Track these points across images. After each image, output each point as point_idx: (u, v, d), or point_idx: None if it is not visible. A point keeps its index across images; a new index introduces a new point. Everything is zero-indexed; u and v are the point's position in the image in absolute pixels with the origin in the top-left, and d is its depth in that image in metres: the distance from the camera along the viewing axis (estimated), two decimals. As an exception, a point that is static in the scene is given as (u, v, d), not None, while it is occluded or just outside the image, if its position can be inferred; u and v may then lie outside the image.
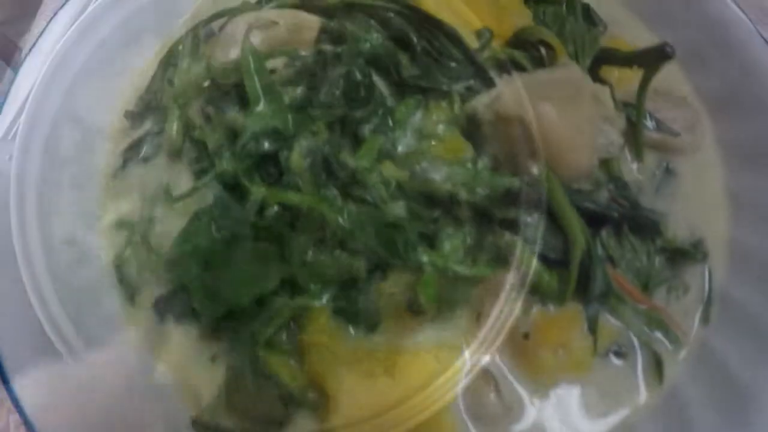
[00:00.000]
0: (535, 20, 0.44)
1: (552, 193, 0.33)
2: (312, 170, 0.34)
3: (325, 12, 0.43)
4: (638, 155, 0.42)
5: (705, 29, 0.47)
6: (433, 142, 0.37)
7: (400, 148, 0.37)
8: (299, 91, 0.36)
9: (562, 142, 0.33)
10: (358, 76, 0.35)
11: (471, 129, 0.37)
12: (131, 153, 0.44)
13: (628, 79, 0.45)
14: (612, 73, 0.45)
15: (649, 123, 0.43)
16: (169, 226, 0.40)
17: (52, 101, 0.43)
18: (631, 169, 0.43)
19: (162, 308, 0.38)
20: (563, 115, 0.34)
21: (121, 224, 0.42)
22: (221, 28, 0.45)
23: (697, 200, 0.43)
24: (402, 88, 0.38)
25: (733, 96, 0.45)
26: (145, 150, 0.44)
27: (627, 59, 0.41)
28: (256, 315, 0.34)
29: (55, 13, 0.46)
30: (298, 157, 0.33)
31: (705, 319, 0.39)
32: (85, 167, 0.44)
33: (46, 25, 0.46)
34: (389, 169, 0.35)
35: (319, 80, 0.36)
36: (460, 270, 0.32)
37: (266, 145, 0.33)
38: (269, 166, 0.35)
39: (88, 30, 0.46)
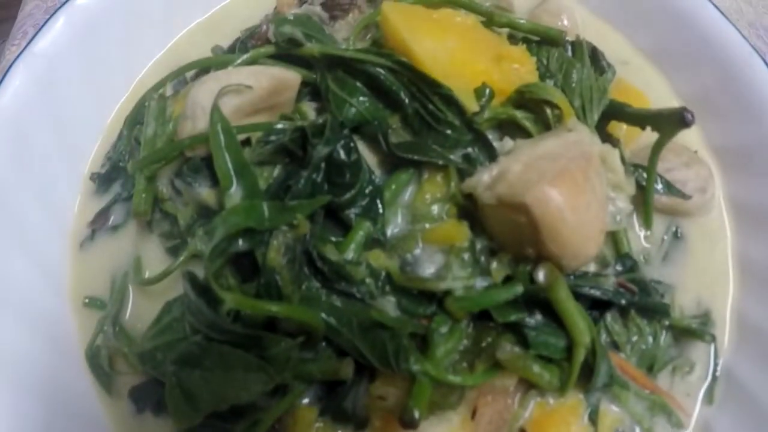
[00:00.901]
0: (538, 68, 0.39)
1: (559, 297, 0.29)
2: (290, 266, 0.30)
3: (306, 64, 0.38)
4: (647, 223, 0.38)
5: (718, 75, 0.43)
6: (426, 225, 0.33)
7: (389, 233, 0.33)
8: (276, 172, 0.32)
9: (570, 233, 0.29)
10: (343, 155, 0.31)
11: (468, 209, 0.33)
12: (98, 222, 0.39)
13: (636, 133, 0.40)
14: (620, 127, 0.41)
15: (660, 186, 0.39)
16: (143, 307, 0.37)
17: (6, 158, 0.39)
18: (638, 237, 0.39)
19: (138, 399, 0.35)
20: (571, 201, 0.30)
21: (93, 303, 0.38)
22: (187, 90, 0.40)
23: (705, 268, 0.40)
24: (391, 159, 0.34)
25: (747, 153, 0.41)
26: (113, 218, 0.39)
27: (640, 119, 0.37)
28: (242, 416, 0.31)
29: (11, 64, 0.40)
30: (275, 254, 0.29)
31: (709, 398, 0.37)
32: (50, 234, 0.40)
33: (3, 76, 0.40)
34: (378, 259, 0.31)
35: (299, 159, 0.31)
36: (455, 380, 0.29)
37: (240, 244, 0.29)
38: (243, 259, 0.31)
39: (46, 78, 0.40)
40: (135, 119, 0.40)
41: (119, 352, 0.35)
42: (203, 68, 0.40)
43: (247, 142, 0.34)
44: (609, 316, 0.34)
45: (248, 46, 0.41)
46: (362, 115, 0.34)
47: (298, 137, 0.32)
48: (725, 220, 0.41)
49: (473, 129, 0.34)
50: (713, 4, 0.45)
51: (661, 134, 0.36)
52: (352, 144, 0.32)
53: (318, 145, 0.30)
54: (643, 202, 0.38)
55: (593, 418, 0.34)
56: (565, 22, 0.45)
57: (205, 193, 0.34)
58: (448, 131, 0.34)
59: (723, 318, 0.39)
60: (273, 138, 0.32)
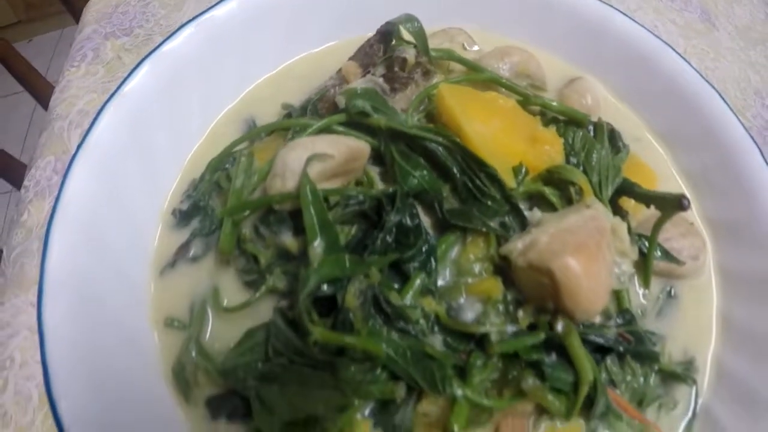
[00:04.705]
0: (564, 147, 0.55)
1: (572, 343, 0.44)
2: (363, 307, 0.44)
3: (371, 131, 0.53)
4: (646, 283, 0.54)
5: (718, 157, 0.59)
6: (469, 280, 0.48)
7: (439, 283, 0.48)
8: (353, 230, 0.46)
9: (583, 296, 0.44)
10: (409, 222, 0.46)
11: (502, 266, 0.48)
12: (180, 253, 0.53)
13: (642, 205, 0.56)
14: (629, 200, 0.56)
15: (659, 254, 0.55)
16: (220, 330, 0.51)
17: (98, 188, 0.52)
18: (637, 294, 0.55)
19: (214, 407, 0.49)
20: (587, 269, 0.45)
21: (172, 323, 0.51)
22: (269, 134, 0.54)
23: (693, 322, 0.56)
24: (442, 223, 0.49)
25: (737, 227, 0.57)
26: (193, 251, 0.53)
27: (646, 198, 0.53)
28: (308, 426, 0.45)
29: (104, 103, 0.54)
30: (352, 298, 0.44)
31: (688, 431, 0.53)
32: (132, 260, 0.53)
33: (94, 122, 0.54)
34: (429, 304, 0.46)
35: (373, 223, 0.46)
36: (488, 404, 0.44)
37: (325, 289, 0.44)
38: (322, 299, 0.46)
39: (134, 119, 0.54)
40: (217, 165, 0.54)
41: (201, 367, 0.49)
42: (281, 128, 0.54)
43: (325, 200, 0.48)
44: (609, 359, 0.50)
45: (318, 108, 0.55)
46: (422, 185, 0.49)
47: (375, 205, 0.46)
48: (713, 284, 0.58)
49: (510, 202, 0.49)
50: (720, 96, 0.61)
51: (663, 214, 0.51)
52: (415, 211, 0.47)
53: (391, 213, 0.45)
54: (643, 266, 0.54)
55: (592, 441, 0.49)
56: (589, 101, 0.61)
57: (288, 241, 0.48)
58: (490, 202, 0.49)
59: (704, 365, 0.54)
60: (352, 202, 0.47)
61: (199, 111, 0.58)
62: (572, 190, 0.51)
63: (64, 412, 0.42)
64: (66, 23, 2.36)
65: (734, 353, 0.54)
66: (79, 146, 0.50)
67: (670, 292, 0.56)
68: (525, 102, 0.57)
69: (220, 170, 0.54)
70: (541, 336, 0.44)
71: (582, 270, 0.44)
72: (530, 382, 0.44)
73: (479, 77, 0.57)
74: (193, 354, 0.49)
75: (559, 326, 0.44)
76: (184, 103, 0.56)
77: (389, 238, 0.45)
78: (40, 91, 1.10)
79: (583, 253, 0.45)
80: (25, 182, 0.71)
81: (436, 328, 0.46)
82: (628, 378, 0.51)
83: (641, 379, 0.51)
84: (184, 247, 0.53)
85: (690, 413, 0.53)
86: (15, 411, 0.59)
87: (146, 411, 0.48)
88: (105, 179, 0.51)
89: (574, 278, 0.44)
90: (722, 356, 0.55)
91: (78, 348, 0.45)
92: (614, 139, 0.58)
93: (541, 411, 0.48)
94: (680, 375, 0.52)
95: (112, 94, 0.54)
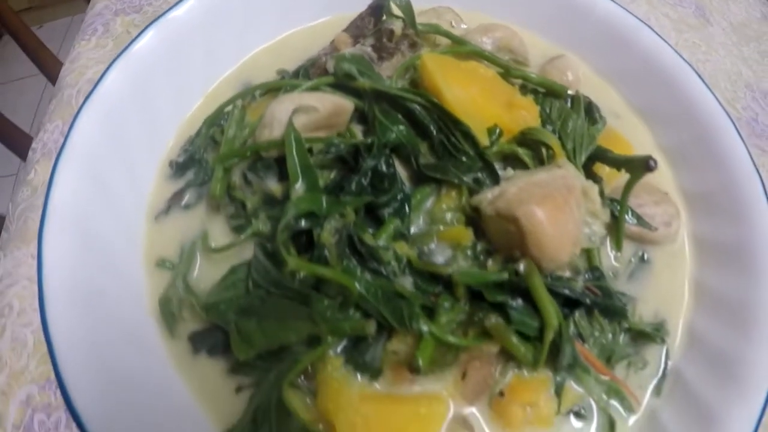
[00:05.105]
0: (541, 115, 0.59)
1: (534, 284, 0.47)
2: (338, 245, 0.48)
3: (356, 92, 0.57)
4: (618, 246, 0.57)
5: (694, 132, 0.62)
6: (441, 227, 0.51)
7: (412, 230, 0.51)
8: (332, 175, 0.51)
9: (547, 242, 0.48)
10: (384, 168, 0.50)
11: (474, 218, 0.52)
12: (174, 200, 0.58)
13: (618, 174, 0.59)
14: (604, 168, 0.59)
15: (631, 217, 0.58)
16: (206, 271, 0.55)
17: (103, 142, 0.57)
18: (609, 257, 0.58)
19: (197, 342, 0.53)
20: (553, 220, 0.48)
21: (162, 264, 0.56)
22: (263, 95, 0.60)
23: (665, 287, 0.58)
24: (418, 174, 0.53)
25: (712, 199, 0.60)
26: (186, 199, 0.58)
27: (616, 162, 0.56)
28: (282, 359, 0.48)
29: (112, 61, 0.60)
30: (328, 234, 0.48)
31: (657, 391, 0.54)
32: (130, 205, 0.58)
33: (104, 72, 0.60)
34: (402, 248, 0.50)
35: (350, 167, 0.50)
36: (453, 341, 0.47)
37: (303, 223, 0.48)
38: (301, 236, 0.50)
39: (139, 77, 0.60)
40: (213, 121, 0.59)
41: (186, 302, 0.53)
42: (274, 88, 0.59)
43: (309, 151, 0.53)
44: (577, 314, 0.52)
45: (310, 73, 0.60)
46: (399, 139, 0.53)
47: (353, 151, 0.51)
48: (687, 251, 0.60)
49: (483, 159, 0.53)
50: (696, 73, 0.65)
51: (632, 175, 0.54)
52: (391, 161, 0.51)
53: (367, 158, 0.49)
54: (615, 229, 0.57)
55: (558, 392, 0.51)
56: (570, 77, 0.65)
57: (273, 186, 0.52)
58: (464, 158, 0.53)
59: (676, 328, 0.56)
60: (332, 149, 0.51)
61: (200, 74, 0.63)
62: (544, 152, 0.55)
63: (55, 331, 0.46)
64: (76, 10, 2.49)
65: (706, 318, 0.56)
66: (87, 97, 0.56)
67: (642, 256, 0.58)
68: (506, 74, 0.62)
69: (215, 125, 0.59)
70: (505, 275, 0.47)
71: (546, 218, 0.48)
72: (493, 319, 0.46)
73: (462, 50, 0.62)
74: (180, 290, 0.53)
75: (521, 266, 0.47)
76: (186, 65, 0.62)
77: (364, 181, 0.49)
78: (51, 69, 1.18)
79: (549, 204, 0.49)
80: (33, 144, 0.77)
81: (407, 271, 0.49)
82: (596, 333, 0.53)
83: (609, 336, 0.53)
84: (178, 195, 0.58)
85: (660, 374, 0.55)
86: (10, 357, 0.64)
87: (132, 342, 0.52)
88: (109, 129, 0.56)
89: (539, 224, 0.47)
90: (694, 321, 0.57)
91: (73, 276, 0.49)
92: (591, 111, 0.62)
93: (508, 358, 0.51)
94: (650, 334, 0.54)
95: (120, 54, 0.60)
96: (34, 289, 0.67)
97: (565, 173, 0.54)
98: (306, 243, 0.50)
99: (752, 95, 0.86)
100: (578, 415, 0.52)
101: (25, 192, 0.73)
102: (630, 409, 0.53)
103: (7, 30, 1.15)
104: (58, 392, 0.62)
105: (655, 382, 0.55)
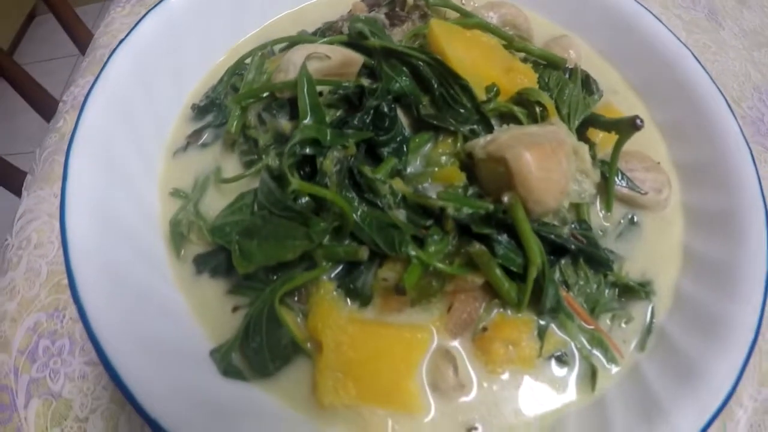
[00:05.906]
0: (539, 82, 0.65)
1: (519, 220, 0.52)
2: (338, 175, 0.54)
3: (367, 51, 0.65)
4: (608, 207, 0.62)
5: (688, 107, 0.67)
6: (435, 169, 0.57)
7: (409, 170, 0.57)
8: (338, 113, 0.57)
9: (534, 184, 0.52)
10: (386, 109, 0.56)
11: (468, 164, 0.57)
12: (193, 138, 0.65)
13: (610, 141, 0.64)
14: (597, 135, 0.65)
15: (621, 180, 0.62)
16: (216, 200, 0.61)
17: (133, 80, 0.65)
18: (599, 217, 0.62)
19: (200, 263, 0.58)
20: (540, 163, 0.53)
21: (176, 193, 0.62)
22: (282, 50, 0.67)
23: (654, 249, 0.62)
24: (419, 123, 0.59)
25: (703, 169, 0.64)
26: (204, 137, 0.65)
27: (606, 124, 0.61)
28: (277, 275, 0.54)
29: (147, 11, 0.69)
30: (329, 163, 0.54)
31: (641, 346, 0.57)
32: (151, 141, 0.65)
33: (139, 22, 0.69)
34: (398, 184, 0.55)
35: (355, 108, 0.56)
36: (439, 266, 0.51)
37: (307, 150, 0.54)
38: (306, 166, 0.56)
39: (171, 27, 0.68)
40: (234, 70, 0.67)
41: (195, 225, 0.59)
42: (292, 42, 0.67)
43: (319, 94, 0.59)
44: (563, 261, 0.56)
45: (326, 35, 0.68)
46: (403, 90, 0.59)
47: (358, 92, 0.57)
48: (678, 218, 0.64)
49: (480, 112, 0.59)
50: (692, 54, 0.70)
51: (621, 135, 0.59)
52: (393, 105, 0.57)
53: (371, 99, 0.56)
54: (606, 191, 0.61)
55: (541, 335, 0.55)
56: (572, 55, 0.71)
57: (284, 123, 0.59)
58: (462, 110, 0.59)
59: (663, 289, 0.60)
60: (340, 91, 0.58)
61: (226, 33, 0.72)
62: (538, 111, 0.61)
63: (73, 241, 0.52)
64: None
65: (694, 281, 0.60)
66: (121, 41, 0.64)
67: (632, 219, 0.63)
68: (508, 46, 0.68)
69: (236, 74, 0.66)
70: (490, 206, 0.52)
71: (534, 161, 0.53)
72: (477, 246, 0.51)
73: (469, 21, 0.69)
74: (191, 214, 0.59)
75: (506, 197, 0.51)
76: (213, 24, 0.71)
77: (367, 119, 0.55)
78: (83, 41, 1.30)
79: (537, 150, 0.54)
80: (64, 97, 0.85)
81: (401, 204, 0.55)
82: (581, 282, 0.57)
83: (594, 286, 0.57)
84: (196, 134, 0.65)
85: (644, 330, 0.58)
86: (23, 285, 0.70)
87: (142, 260, 0.58)
88: (139, 69, 0.64)
89: (526, 165, 0.52)
90: (681, 283, 0.60)
91: (93, 198, 0.55)
92: (589, 84, 0.68)
93: (494, 296, 0.55)
94: (634, 287, 0.58)
95: (156, 5, 0.68)
96: (54, 224, 0.75)
97: (557, 129, 0.59)
98: (310, 173, 0.56)
99: (759, 96, 0.90)
100: (560, 360, 0.55)
101: (53, 138, 0.82)
102: (613, 360, 0.56)
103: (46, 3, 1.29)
104: (65, 321, 0.69)
105: (639, 337, 0.58)
